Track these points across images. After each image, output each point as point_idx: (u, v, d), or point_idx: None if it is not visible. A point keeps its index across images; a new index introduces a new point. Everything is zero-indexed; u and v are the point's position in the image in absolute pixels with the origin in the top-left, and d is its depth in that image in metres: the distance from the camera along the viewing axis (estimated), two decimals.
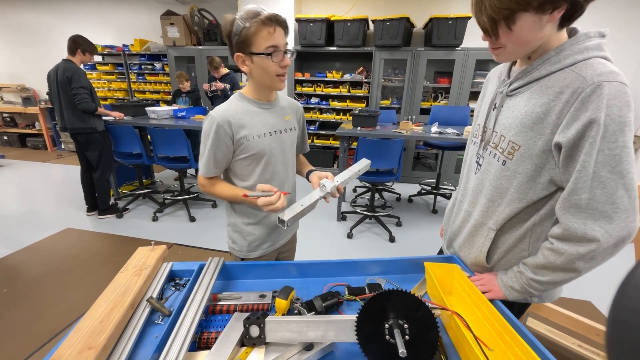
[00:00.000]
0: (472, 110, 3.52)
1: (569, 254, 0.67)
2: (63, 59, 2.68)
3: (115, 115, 3.12)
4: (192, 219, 3.07)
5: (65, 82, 2.61)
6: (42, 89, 5.90)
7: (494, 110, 0.80)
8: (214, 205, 3.39)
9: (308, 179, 1.10)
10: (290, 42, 4.29)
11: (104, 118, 2.99)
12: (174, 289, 0.84)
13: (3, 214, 3.12)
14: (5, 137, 5.94)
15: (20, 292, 2.00)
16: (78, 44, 2.68)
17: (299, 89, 4.32)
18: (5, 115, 5.96)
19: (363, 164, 1.09)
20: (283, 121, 1.02)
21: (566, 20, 0.64)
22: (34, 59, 5.76)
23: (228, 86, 3.66)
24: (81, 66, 2.73)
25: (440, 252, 1.07)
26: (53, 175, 4.43)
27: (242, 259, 1.09)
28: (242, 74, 4.38)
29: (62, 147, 5.72)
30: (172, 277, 0.88)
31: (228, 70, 3.75)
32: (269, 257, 1.10)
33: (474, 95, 3.84)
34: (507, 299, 0.78)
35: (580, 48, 0.65)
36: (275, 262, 0.91)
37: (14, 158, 5.16)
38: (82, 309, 1.86)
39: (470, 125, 0.73)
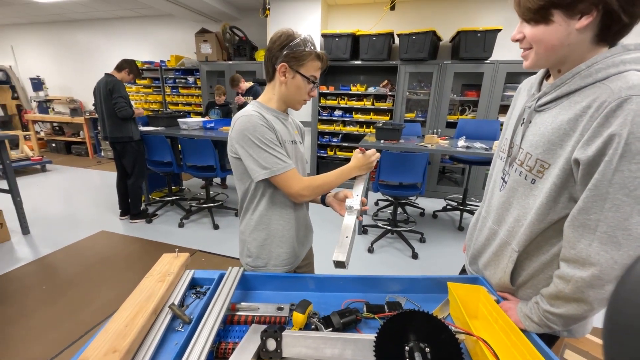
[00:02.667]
0: (502, 124, 3.40)
1: (575, 281, 0.63)
2: (105, 74, 2.92)
3: (139, 114, 3.13)
4: (216, 227, 3.15)
5: (108, 94, 2.84)
6: (87, 100, 6.43)
7: (521, 125, 0.77)
8: (237, 214, 3.46)
9: (324, 204, 1.07)
10: None
11: (140, 128, 3.18)
12: (194, 296, 0.86)
13: (46, 215, 3.38)
14: (53, 144, 6.49)
15: (58, 290, 2.13)
16: (128, 64, 2.96)
17: (323, 101, 4.39)
18: (55, 124, 6.53)
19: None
20: (294, 134, 1.05)
21: (605, 36, 0.61)
22: (82, 73, 6.31)
23: (250, 99, 3.79)
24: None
25: (463, 270, 1.02)
26: (92, 181, 4.75)
27: None
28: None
29: (102, 154, 6.15)
30: (193, 284, 0.91)
31: (252, 84, 3.88)
32: (291, 270, 1.10)
33: (504, 109, 3.72)
34: (527, 330, 0.73)
35: (615, 61, 0.61)
36: (293, 275, 0.90)
37: (60, 164, 5.60)
38: (111, 309, 1.95)
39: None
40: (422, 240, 2.94)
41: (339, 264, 0.76)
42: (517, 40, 0.69)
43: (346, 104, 4.31)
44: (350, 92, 4.28)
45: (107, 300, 2.04)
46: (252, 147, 0.89)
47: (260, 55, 4.63)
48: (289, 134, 1.01)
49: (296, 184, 0.92)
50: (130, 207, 3.24)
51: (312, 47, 0.92)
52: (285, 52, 0.90)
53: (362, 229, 3.08)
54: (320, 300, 0.86)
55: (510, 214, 0.77)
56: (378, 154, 1.01)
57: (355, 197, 0.93)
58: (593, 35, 0.61)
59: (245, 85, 3.80)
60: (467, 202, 3.48)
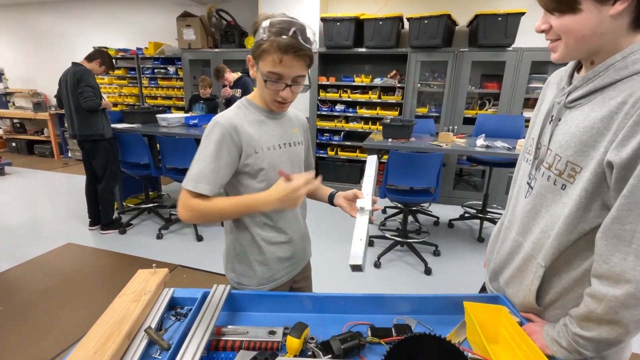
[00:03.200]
0: (528, 121, 3.42)
1: (608, 300, 0.63)
2: (73, 63, 2.94)
3: (106, 105, 3.08)
4: (200, 238, 3.15)
5: (75, 85, 2.86)
6: (53, 93, 6.44)
7: (550, 123, 0.77)
8: (224, 223, 3.46)
9: (331, 203, 1.10)
10: (315, 43, 4.41)
11: (113, 125, 3.19)
12: (174, 318, 0.86)
13: (4, 224, 3.38)
14: (13, 144, 6.50)
15: (16, 312, 2.12)
16: (101, 55, 3.00)
17: (322, 94, 4.41)
18: (15, 121, 6.54)
19: (374, 162, 1.09)
20: (291, 134, 1.05)
21: None
22: (47, 63, 6.34)
23: (239, 92, 3.80)
24: None
25: (484, 288, 1.03)
26: (57, 185, 4.75)
27: None
28: None
29: (69, 155, 6.15)
30: (173, 304, 0.91)
31: (240, 74, 3.89)
32: (282, 288, 1.10)
33: (529, 103, 3.73)
34: (554, 357, 0.73)
35: None
36: (288, 294, 0.91)
37: (21, 166, 5.61)
38: (79, 334, 1.94)
39: (524, 137, 0.71)
40: (436, 253, 2.93)
41: (356, 268, 0.80)
42: (542, 32, 0.70)
43: (349, 97, 4.33)
44: (353, 83, 4.29)
45: (74, 323, 2.03)
46: (202, 149, 0.91)
47: (250, 42, 4.66)
48: (278, 136, 1.00)
49: (181, 202, 0.88)
50: (100, 215, 3.24)
51: (278, 35, 0.82)
52: (254, 42, 0.89)
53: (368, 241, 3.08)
54: (319, 322, 0.86)
55: (536, 224, 0.78)
56: (310, 187, 0.86)
57: (365, 197, 0.96)
58: (629, 22, 0.62)
59: (233, 76, 3.82)
60: (488, 210, 3.48)
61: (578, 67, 0.77)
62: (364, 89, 4.40)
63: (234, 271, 1.07)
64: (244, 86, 3.81)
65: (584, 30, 0.64)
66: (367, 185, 1.00)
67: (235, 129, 0.91)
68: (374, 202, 0.96)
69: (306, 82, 0.92)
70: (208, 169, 0.88)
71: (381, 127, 3.09)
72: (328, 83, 4.36)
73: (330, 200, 1.11)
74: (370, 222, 0.93)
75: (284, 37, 0.82)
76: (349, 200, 1.04)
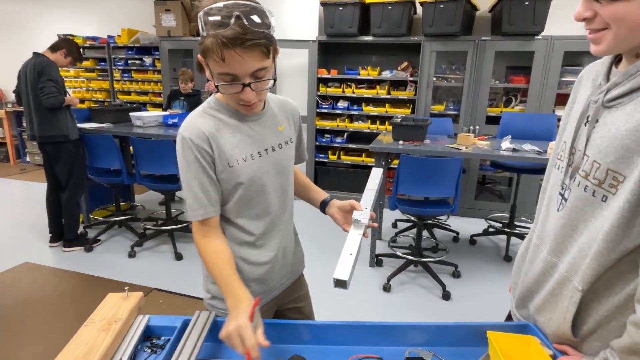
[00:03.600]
0: (560, 120, 3.43)
1: None
2: (34, 53, 2.97)
3: (71, 101, 3.09)
4: (179, 257, 3.14)
5: (35, 79, 2.88)
6: (10, 88, 6.48)
7: (585, 125, 0.78)
8: None
9: (324, 211, 1.11)
10: (314, 31, 4.48)
11: (79, 125, 3.21)
12: (149, 350, 0.86)
13: None
14: None
15: None
16: (67, 44, 3.03)
17: (322, 89, 4.44)
18: None
19: (379, 176, 1.11)
20: (276, 134, 1.02)
21: None
22: (3, 53, 6.38)
23: None
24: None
25: (510, 316, 1.02)
26: (13, 194, 4.74)
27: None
28: None
29: (27, 159, 6.16)
30: (148, 334, 0.90)
31: None
32: (264, 312, 1.05)
33: (562, 99, 3.76)
34: None
35: None
36: (282, 322, 0.91)
37: None
38: None
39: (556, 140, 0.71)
40: (455, 274, 2.92)
41: (340, 283, 0.81)
42: (583, 20, 0.70)
43: (353, 92, 4.36)
44: (358, 77, 4.32)
45: (32, 356, 2.01)
46: (182, 170, 0.94)
47: None
48: (258, 142, 0.97)
49: (199, 237, 0.95)
50: (64, 230, 3.23)
51: (218, 27, 0.77)
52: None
53: (376, 259, 3.07)
54: (318, 356, 0.85)
55: (572, 241, 0.78)
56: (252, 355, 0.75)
57: (364, 210, 0.98)
58: None
59: None
60: (516, 224, 3.47)
61: (616, 61, 0.78)
62: (371, 83, 4.43)
63: (208, 291, 1.06)
64: None
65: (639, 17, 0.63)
66: (368, 198, 1.03)
67: (205, 140, 0.90)
68: (371, 218, 0.98)
69: (271, 75, 0.87)
70: (192, 194, 0.92)
71: (391, 128, 3.11)
72: (329, 76, 4.39)
73: (323, 207, 1.11)
74: (365, 237, 0.96)
75: (225, 28, 0.76)
76: (344, 211, 1.04)
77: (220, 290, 0.89)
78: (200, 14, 0.79)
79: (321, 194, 1.16)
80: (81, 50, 3.20)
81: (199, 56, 0.87)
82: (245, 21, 0.77)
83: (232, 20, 0.76)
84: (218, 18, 0.77)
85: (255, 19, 0.78)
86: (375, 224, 1.00)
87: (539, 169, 3.14)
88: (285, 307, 1.17)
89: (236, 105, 0.93)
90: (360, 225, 0.96)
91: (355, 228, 0.96)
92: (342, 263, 0.85)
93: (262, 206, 1.00)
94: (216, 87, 0.85)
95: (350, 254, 0.87)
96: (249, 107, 0.91)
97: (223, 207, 0.99)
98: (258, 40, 0.78)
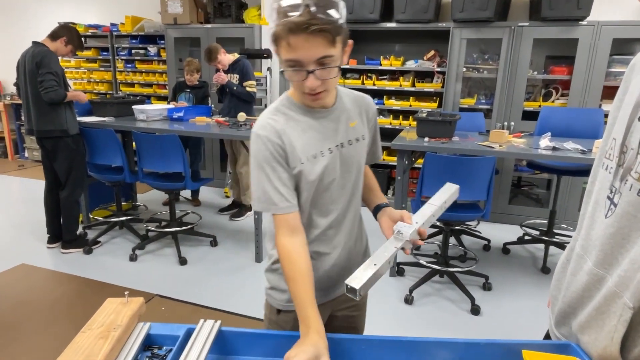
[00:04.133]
0: (608, 115, 3.35)
1: None
2: (33, 42, 3.05)
3: (76, 97, 3.18)
4: (183, 261, 3.18)
5: (34, 70, 2.95)
6: (9, 79, 6.69)
7: (639, 120, 0.76)
8: (214, 244, 3.49)
9: (375, 218, 1.13)
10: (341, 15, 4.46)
11: (79, 119, 3.28)
12: None
13: None
14: None
15: None
16: (67, 31, 3.09)
17: (340, 81, 4.41)
18: None
19: (450, 192, 1.11)
20: (347, 129, 1.07)
21: None
22: (3, 42, 6.59)
23: (236, 77, 3.86)
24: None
25: (548, 335, 1.00)
26: (10, 192, 4.89)
27: (279, 311, 1.12)
28: (261, 60, 4.61)
29: (26, 155, 6.35)
30: (148, 343, 0.91)
31: (238, 56, 3.96)
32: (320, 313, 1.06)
33: (611, 92, 3.66)
34: None
35: None
36: (293, 334, 0.90)
37: None
38: None
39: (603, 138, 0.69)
40: (486, 287, 2.88)
41: (351, 291, 0.84)
42: None
43: (374, 84, 4.34)
44: (380, 67, 4.31)
45: None
46: (254, 169, 1.01)
47: (250, 16, 4.75)
48: (329, 137, 1.03)
49: (281, 236, 0.99)
50: (62, 230, 3.31)
51: (287, 15, 0.85)
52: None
53: (397, 268, 3.05)
54: None
55: (623, 252, 0.76)
56: None
57: (413, 225, 0.98)
58: None
59: (228, 58, 3.89)
60: (555, 232, 3.41)
61: None
62: (394, 75, 4.41)
63: (268, 281, 1.16)
64: (243, 70, 3.87)
65: None
66: (424, 213, 1.03)
67: (278, 137, 0.98)
68: (421, 236, 0.99)
69: (337, 62, 0.93)
70: (272, 188, 0.97)
71: (415, 123, 3.08)
72: (348, 67, 4.39)
73: (376, 211, 1.13)
74: (406, 253, 0.97)
75: (293, 14, 0.85)
76: (393, 220, 1.05)
77: (295, 307, 0.94)
78: (275, 4, 0.89)
79: (380, 198, 1.18)
80: (82, 39, 3.27)
81: (270, 43, 0.94)
82: (313, 8, 0.85)
83: (301, 9, 0.85)
84: (288, 5, 0.86)
85: (324, 7, 0.87)
86: (422, 242, 0.99)
87: (583, 171, 3.07)
88: (339, 312, 1.20)
89: (303, 97, 0.98)
90: (400, 238, 0.95)
91: (394, 239, 0.96)
92: (361, 270, 0.86)
93: (327, 202, 1.06)
94: (281, 72, 0.94)
95: (375, 265, 0.88)
96: (315, 97, 0.96)
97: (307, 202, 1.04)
98: (322, 27, 0.86)
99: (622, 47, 3.60)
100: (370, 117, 1.16)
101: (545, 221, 3.49)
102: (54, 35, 3.06)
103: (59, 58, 3.06)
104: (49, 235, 3.37)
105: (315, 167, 1.00)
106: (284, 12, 0.86)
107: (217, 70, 3.88)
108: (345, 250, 1.12)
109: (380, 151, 1.25)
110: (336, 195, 1.06)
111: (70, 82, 3.69)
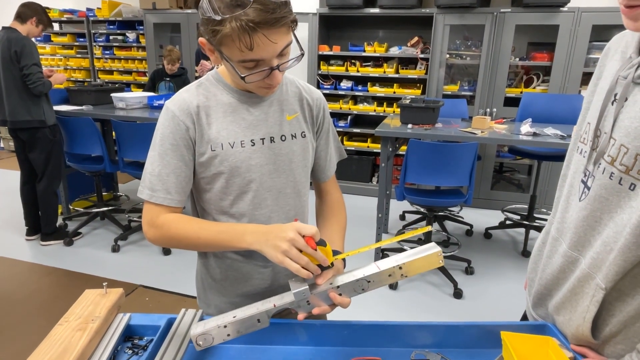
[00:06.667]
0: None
1: None
2: (4, 28, 2.94)
3: (58, 79, 3.15)
4: (167, 251, 3.16)
5: (11, 58, 2.85)
6: None
7: (612, 104, 0.77)
8: None
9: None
10: (314, 2, 4.42)
11: (56, 108, 3.19)
12: (130, 352, 0.85)
13: None
14: None
15: None
16: (33, 11, 2.96)
17: (324, 68, 4.40)
18: None
19: (419, 255, 0.91)
20: (281, 122, 0.94)
21: None
22: None
23: (220, 66, 3.79)
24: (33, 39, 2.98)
25: (525, 316, 1.02)
26: None
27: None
28: None
29: (1, 145, 6.16)
30: (129, 334, 0.90)
31: None
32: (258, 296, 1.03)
33: (590, 78, 3.72)
34: None
35: None
36: (274, 321, 0.90)
37: None
38: None
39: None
40: (468, 270, 2.93)
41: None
42: None
43: (358, 71, 4.32)
44: (363, 54, 4.29)
45: (6, 358, 2.03)
46: (152, 145, 0.92)
47: None
48: (254, 127, 0.91)
49: (144, 217, 0.90)
50: (41, 222, 3.24)
51: (234, 8, 0.71)
52: (201, 20, 0.79)
53: (382, 255, 3.08)
54: (315, 358, 0.86)
55: (596, 235, 0.78)
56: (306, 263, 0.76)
57: (323, 275, 0.83)
58: None
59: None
60: (536, 216, 3.48)
61: None
62: (377, 61, 4.39)
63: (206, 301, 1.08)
64: None
65: None
66: (357, 274, 0.85)
67: (188, 115, 0.87)
68: (333, 301, 0.83)
69: (297, 50, 0.81)
70: (157, 172, 0.89)
71: (399, 110, 3.09)
72: (331, 53, 4.35)
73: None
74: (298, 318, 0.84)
75: (244, 9, 0.70)
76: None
77: (226, 244, 0.84)
78: None
79: (335, 243, 0.98)
80: (58, 25, 3.17)
81: (202, 40, 0.82)
82: (259, 9, 0.71)
83: (250, 3, 0.70)
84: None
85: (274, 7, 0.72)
86: (328, 309, 0.84)
87: (562, 156, 3.10)
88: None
89: (255, 89, 0.87)
90: (298, 282, 0.81)
91: (295, 281, 0.82)
92: (213, 320, 0.82)
93: (248, 206, 0.93)
94: (242, 78, 0.79)
95: (234, 317, 0.80)
96: (268, 90, 0.87)
97: (202, 196, 0.96)
98: (283, 17, 0.73)
99: (601, 34, 3.65)
100: (316, 115, 1.01)
101: (526, 206, 3.55)
102: (22, 17, 2.93)
103: (35, 43, 2.95)
104: (27, 228, 3.30)
105: (229, 158, 0.88)
106: (228, 4, 0.71)
107: (198, 57, 3.81)
108: (274, 272, 0.99)
109: (333, 167, 1.08)
110: (258, 201, 0.93)
111: (53, 69, 3.55)
